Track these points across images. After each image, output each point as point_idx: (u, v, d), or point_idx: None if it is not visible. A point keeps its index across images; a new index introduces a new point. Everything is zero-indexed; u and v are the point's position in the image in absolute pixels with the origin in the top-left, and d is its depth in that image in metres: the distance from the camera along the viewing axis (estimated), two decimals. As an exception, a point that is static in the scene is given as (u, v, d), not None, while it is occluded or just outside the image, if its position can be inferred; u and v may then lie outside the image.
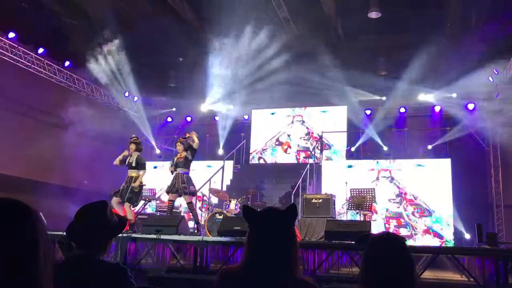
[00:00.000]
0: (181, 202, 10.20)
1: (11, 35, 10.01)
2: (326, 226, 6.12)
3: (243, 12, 9.49)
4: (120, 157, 8.09)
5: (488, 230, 8.34)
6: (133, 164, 7.94)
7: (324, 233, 6.37)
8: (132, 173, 7.89)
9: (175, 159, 8.25)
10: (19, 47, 10.22)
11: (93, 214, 2.10)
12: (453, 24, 10.12)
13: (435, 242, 10.06)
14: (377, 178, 10.90)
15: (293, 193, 10.11)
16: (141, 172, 7.89)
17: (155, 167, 12.68)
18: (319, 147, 12.30)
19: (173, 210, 9.97)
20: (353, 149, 12.17)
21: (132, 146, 8.02)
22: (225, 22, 9.75)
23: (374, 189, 8.86)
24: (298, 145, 13.14)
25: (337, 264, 6.60)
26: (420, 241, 10.17)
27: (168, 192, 8.17)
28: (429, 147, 11.33)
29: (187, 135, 8.38)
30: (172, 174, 8.24)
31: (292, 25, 10.37)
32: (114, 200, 7.72)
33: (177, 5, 9.85)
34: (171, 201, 8.23)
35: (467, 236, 9.52)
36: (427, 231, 10.32)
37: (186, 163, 8.13)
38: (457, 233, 10.03)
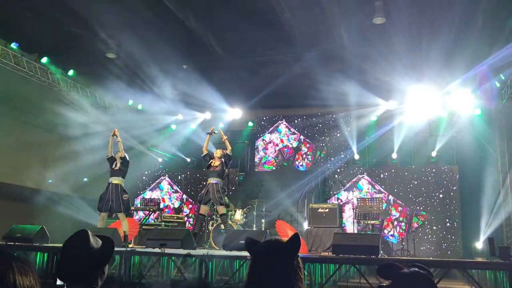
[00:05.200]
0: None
1: (14, 45, 9.97)
2: (334, 239, 5.99)
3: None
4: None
5: (498, 240, 8.17)
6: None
7: (331, 246, 6.24)
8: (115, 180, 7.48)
9: (210, 165, 7.78)
10: (23, 57, 10.18)
11: (75, 246, 1.87)
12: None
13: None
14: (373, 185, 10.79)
15: (299, 201, 9.99)
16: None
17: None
18: (324, 155, 12.16)
19: (178, 220, 9.91)
20: (356, 157, 11.91)
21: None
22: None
23: (381, 197, 8.74)
24: (304, 152, 12.99)
25: (346, 276, 6.49)
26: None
27: (200, 202, 7.77)
28: (433, 153, 11.08)
29: (224, 139, 7.88)
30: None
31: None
32: (104, 216, 7.32)
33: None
34: (203, 216, 7.85)
35: (478, 245, 9.34)
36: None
37: (220, 173, 7.77)
38: (466, 243, 9.87)
